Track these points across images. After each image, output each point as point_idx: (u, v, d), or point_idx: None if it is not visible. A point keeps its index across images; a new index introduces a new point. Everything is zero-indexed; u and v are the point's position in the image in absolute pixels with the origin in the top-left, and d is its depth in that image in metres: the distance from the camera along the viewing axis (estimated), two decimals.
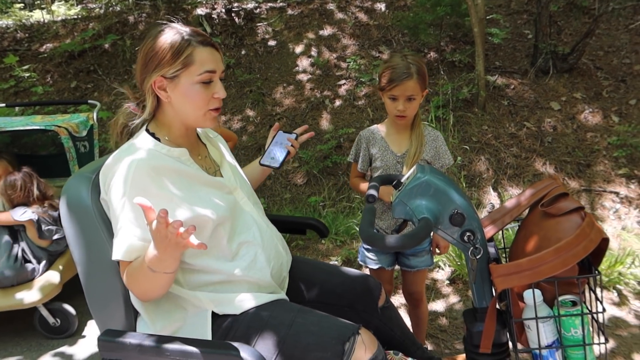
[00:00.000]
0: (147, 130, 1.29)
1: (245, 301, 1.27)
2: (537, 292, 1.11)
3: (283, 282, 1.45)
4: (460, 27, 4.59)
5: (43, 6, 8.08)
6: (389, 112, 1.78)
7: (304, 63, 4.85)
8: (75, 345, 2.50)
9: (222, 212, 1.27)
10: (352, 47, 4.88)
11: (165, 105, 1.29)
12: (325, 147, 3.94)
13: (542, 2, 4.11)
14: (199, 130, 1.47)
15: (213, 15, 5.43)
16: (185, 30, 1.25)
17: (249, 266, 1.30)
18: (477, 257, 1.17)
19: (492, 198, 3.48)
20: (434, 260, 1.98)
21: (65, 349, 2.48)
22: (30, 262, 2.52)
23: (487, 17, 4.46)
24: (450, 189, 1.19)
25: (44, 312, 2.49)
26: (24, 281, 2.47)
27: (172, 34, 1.23)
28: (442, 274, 2.82)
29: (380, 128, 1.89)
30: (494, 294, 1.20)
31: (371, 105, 4.29)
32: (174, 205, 1.19)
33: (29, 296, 2.40)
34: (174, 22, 1.29)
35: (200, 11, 5.51)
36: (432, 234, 1.91)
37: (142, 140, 1.26)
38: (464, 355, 1.91)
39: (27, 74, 5.13)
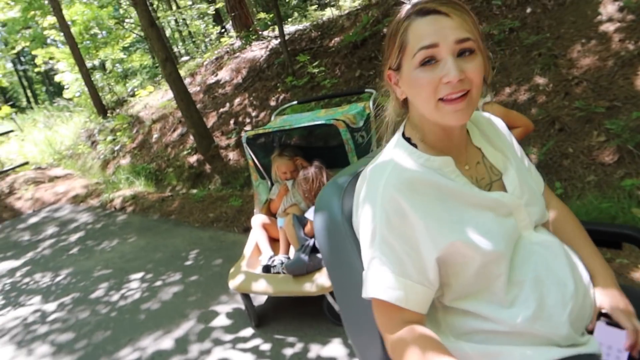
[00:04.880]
0: (402, 134, 1.06)
1: (529, 358, 0.93)
2: None
3: (586, 322, 1.03)
4: None
5: (332, 3, 8.87)
6: None
7: (608, 9, 3.90)
8: None
9: (494, 245, 0.95)
10: None
11: (409, 103, 1.04)
12: None
13: None
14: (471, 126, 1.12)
15: None
16: (412, 2, 0.95)
17: (535, 315, 0.94)
18: None
19: None
20: None
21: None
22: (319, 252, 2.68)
23: None
24: None
25: (330, 300, 2.60)
26: (313, 270, 2.62)
27: (399, 13, 0.97)
28: None
29: None
30: None
31: None
32: (431, 233, 0.93)
33: (317, 284, 2.53)
34: None
35: None
36: None
37: (396, 147, 1.04)
38: None
39: (316, 70, 5.63)
